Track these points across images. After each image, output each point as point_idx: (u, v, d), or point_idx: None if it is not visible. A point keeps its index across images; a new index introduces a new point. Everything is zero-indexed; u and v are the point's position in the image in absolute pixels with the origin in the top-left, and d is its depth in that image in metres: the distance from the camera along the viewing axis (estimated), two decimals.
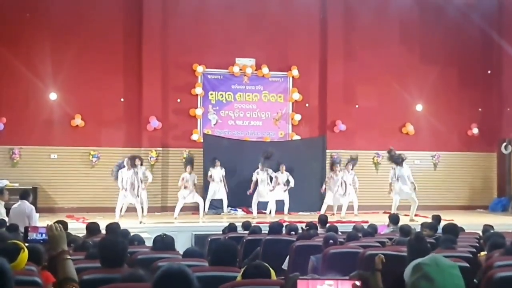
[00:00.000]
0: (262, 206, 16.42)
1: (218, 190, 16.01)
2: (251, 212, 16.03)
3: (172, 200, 16.99)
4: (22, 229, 9.53)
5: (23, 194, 10.95)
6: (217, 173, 15.96)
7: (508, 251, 6.33)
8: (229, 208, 16.67)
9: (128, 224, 12.59)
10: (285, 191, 16.21)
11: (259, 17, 18.46)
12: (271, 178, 15.96)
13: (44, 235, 4.29)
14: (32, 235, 4.33)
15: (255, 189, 15.78)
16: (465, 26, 19.45)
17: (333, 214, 15.97)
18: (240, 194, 16.46)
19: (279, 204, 16.26)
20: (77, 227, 11.54)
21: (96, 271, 5.09)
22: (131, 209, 14.84)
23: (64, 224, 8.68)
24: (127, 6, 17.71)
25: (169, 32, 17.84)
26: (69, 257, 4.13)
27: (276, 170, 16.10)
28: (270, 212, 16.05)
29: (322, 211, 15.65)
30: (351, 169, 16.47)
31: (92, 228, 8.74)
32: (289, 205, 16.41)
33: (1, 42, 16.78)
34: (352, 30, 18.84)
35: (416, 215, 15.77)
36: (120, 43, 17.64)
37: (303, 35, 18.68)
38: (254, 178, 15.81)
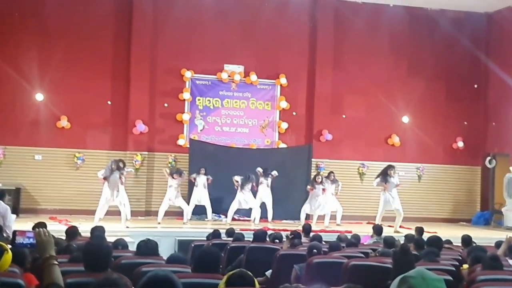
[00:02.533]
0: (247, 213, 16.45)
1: (201, 197, 16.00)
2: (235, 219, 16.03)
3: (156, 204, 16.90)
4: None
5: None
6: (201, 180, 15.97)
7: (487, 266, 6.37)
8: (214, 214, 16.65)
9: (112, 228, 12.57)
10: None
11: (249, 24, 18.49)
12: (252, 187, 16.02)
13: (31, 239, 4.27)
14: (20, 239, 4.30)
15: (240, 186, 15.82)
16: (453, 41, 19.58)
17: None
18: (224, 201, 16.46)
19: (263, 211, 16.26)
20: (59, 229, 11.44)
21: (80, 274, 5.06)
22: (115, 213, 14.75)
23: (43, 225, 8.63)
24: (117, 9, 17.68)
25: (159, 36, 17.82)
26: (56, 262, 4.13)
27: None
28: (254, 220, 16.04)
29: (302, 220, 15.60)
30: (333, 178, 16.51)
31: (71, 233, 8.64)
32: (272, 212, 16.41)
33: None
34: (342, 40, 18.91)
35: (400, 226, 15.82)
36: (109, 45, 17.61)
37: (292, 44, 18.73)
38: (237, 179, 15.86)
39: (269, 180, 16.32)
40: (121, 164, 14.45)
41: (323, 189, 15.90)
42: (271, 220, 16.31)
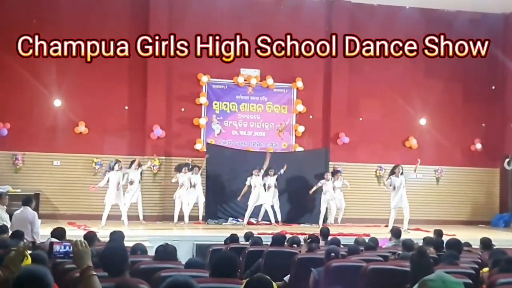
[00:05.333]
0: (264, 216, 16.56)
1: (190, 196, 16.15)
2: (253, 223, 16.11)
3: (172, 208, 17.06)
4: (26, 236, 9.58)
5: (26, 200, 10.95)
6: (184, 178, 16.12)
7: (503, 269, 6.31)
8: (231, 218, 16.70)
9: (131, 233, 12.64)
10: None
11: (265, 28, 18.45)
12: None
13: (68, 248, 4.26)
14: (57, 248, 4.30)
15: (246, 195, 15.91)
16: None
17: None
18: (242, 205, 16.49)
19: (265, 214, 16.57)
20: (78, 235, 11.51)
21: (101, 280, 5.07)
22: (133, 217, 14.90)
23: (62, 231, 8.70)
24: (133, 15, 17.76)
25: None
26: (94, 273, 4.10)
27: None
28: (275, 220, 16.23)
29: (320, 223, 15.74)
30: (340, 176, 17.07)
31: (89, 238, 8.64)
32: (280, 214, 16.66)
33: (7, 49, 16.79)
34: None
35: (417, 229, 15.79)
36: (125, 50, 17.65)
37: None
38: (247, 183, 15.98)
39: (273, 179, 16.39)
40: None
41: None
42: (275, 222, 16.40)
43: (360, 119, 19.06)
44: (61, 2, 17.42)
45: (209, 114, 18.19)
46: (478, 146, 19.47)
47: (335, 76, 18.71)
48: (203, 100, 18.01)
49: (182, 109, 18.01)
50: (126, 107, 17.68)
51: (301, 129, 18.59)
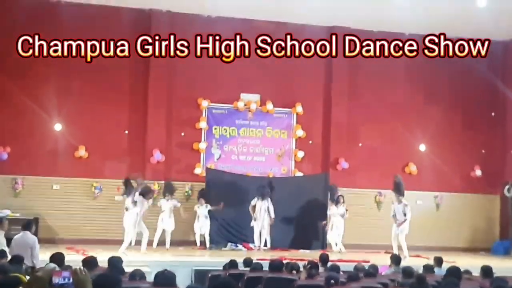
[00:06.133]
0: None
1: (163, 221, 16.17)
2: (252, 248, 16.08)
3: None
4: (25, 261, 9.52)
5: (26, 225, 10.91)
6: (166, 204, 16.17)
7: None
8: (231, 244, 16.65)
9: (130, 258, 12.58)
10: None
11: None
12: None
13: (67, 279, 4.24)
14: (56, 280, 4.28)
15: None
16: (470, 68, 19.55)
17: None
18: (241, 229, 16.44)
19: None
20: (77, 259, 11.45)
21: None
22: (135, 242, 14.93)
23: (61, 256, 8.65)
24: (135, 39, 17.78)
25: (176, 66, 17.94)
26: None
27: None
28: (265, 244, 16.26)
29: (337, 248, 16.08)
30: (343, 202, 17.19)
31: (89, 263, 8.55)
32: (279, 239, 16.82)
33: (8, 73, 16.91)
34: (357, 69, 18.94)
35: (417, 255, 15.74)
36: (126, 76, 17.77)
37: (308, 73, 18.78)
38: (253, 203, 16.31)
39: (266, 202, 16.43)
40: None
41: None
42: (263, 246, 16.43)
43: (360, 144, 19.09)
44: (61, 33, 17.46)
45: (209, 139, 18.22)
46: (478, 172, 19.47)
47: (334, 101, 18.77)
48: (203, 124, 18.05)
49: (182, 134, 18.05)
50: (126, 132, 17.71)
51: (300, 154, 18.60)
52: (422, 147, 19.27)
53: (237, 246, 16.63)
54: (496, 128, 19.79)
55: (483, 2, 16.05)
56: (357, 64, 18.91)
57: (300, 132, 18.60)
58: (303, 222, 17.15)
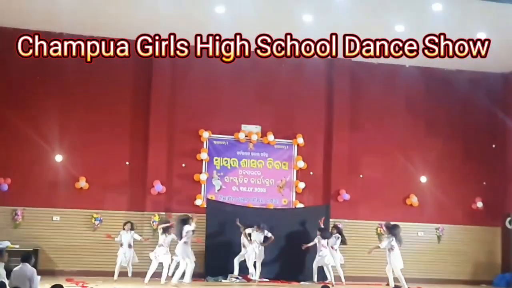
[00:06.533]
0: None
1: (125, 254, 15.77)
2: (251, 279, 15.99)
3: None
4: None
5: (25, 257, 10.83)
6: (126, 237, 15.84)
7: None
8: (231, 275, 16.54)
9: None
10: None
11: (266, 85, 18.68)
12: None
13: None
14: None
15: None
16: (470, 101, 19.67)
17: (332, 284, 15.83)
18: (242, 261, 16.35)
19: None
20: None
21: None
22: (135, 274, 14.88)
23: None
24: (136, 73, 17.91)
25: (177, 97, 18.04)
26: None
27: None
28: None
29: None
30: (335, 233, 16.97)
31: None
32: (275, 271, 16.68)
33: (9, 105, 16.98)
34: (358, 100, 19.03)
35: None
36: (127, 107, 17.83)
37: (309, 104, 18.85)
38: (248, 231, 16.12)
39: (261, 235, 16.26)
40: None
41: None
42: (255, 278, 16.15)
43: (361, 176, 19.06)
44: (63, 65, 17.51)
45: (210, 170, 18.21)
46: (479, 204, 19.41)
47: (335, 132, 18.79)
48: (204, 156, 18.06)
49: (183, 165, 18.04)
50: (127, 163, 17.70)
51: (301, 185, 18.58)
52: (423, 179, 19.24)
53: (238, 279, 16.49)
54: (497, 160, 19.77)
55: (483, 34, 16.14)
56: (358, 96, 19.02)
57: (301, 164, 18.60)
58: (305, 254, 17.03)
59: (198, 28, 13.33)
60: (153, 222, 17.24)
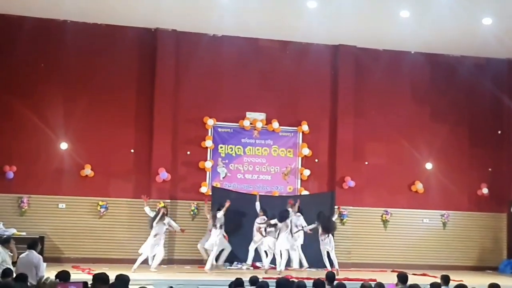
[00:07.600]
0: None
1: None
2: (259, 267, 16.00)
3: (179, 252, 17.02)
4: (30, 280, 9.52)
5: (31, 244, 10.92)
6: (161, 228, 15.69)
7: None
8: (236, 262, 16.59)
9: (136, 276, 12.53)
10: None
11: (271, 72, 18.65)
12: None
13: None
14: None
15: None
16: (475, 86, 19.60)
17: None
18: (246, 249, 16.37)
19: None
20: (82, 278, 11.42)
21: None
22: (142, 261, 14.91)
23: (66, 274, 8.63)
24: (141, 59, 17.90)
25: (181, 85, 18.02)
26: None
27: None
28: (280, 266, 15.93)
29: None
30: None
31: (100, 279, 8.39)
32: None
33: (14, 93, 16.99)
34: (363, 87, 18.98)
35: (424, 274, 15.63)
36: (132, 95, 17.81)
37: (314, 91, 18.82)
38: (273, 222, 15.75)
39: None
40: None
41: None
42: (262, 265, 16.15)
43: (366, 163, 19.04)
44: (67, 52, 17.56)
45: (215, 158, 18.21)
46: (485, 191, 19.38)
47: (340, 120, 18.75)
48: (208, 143, 18.06)
49: (188, 153, 18.05)
50: (132, 151, 17.71)
51: (306, 172, 18.57)
52: (429, 165, 19.21)
53: (244, 265, 16.52)
54: (503, 146, 19.72)
55: (489, 20, 16.09)
56: (363, 83, 18.97)
57: (306, 151, 18.58)
58: (310, 241, 17.01)
59: (201, 18, 13.39)
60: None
